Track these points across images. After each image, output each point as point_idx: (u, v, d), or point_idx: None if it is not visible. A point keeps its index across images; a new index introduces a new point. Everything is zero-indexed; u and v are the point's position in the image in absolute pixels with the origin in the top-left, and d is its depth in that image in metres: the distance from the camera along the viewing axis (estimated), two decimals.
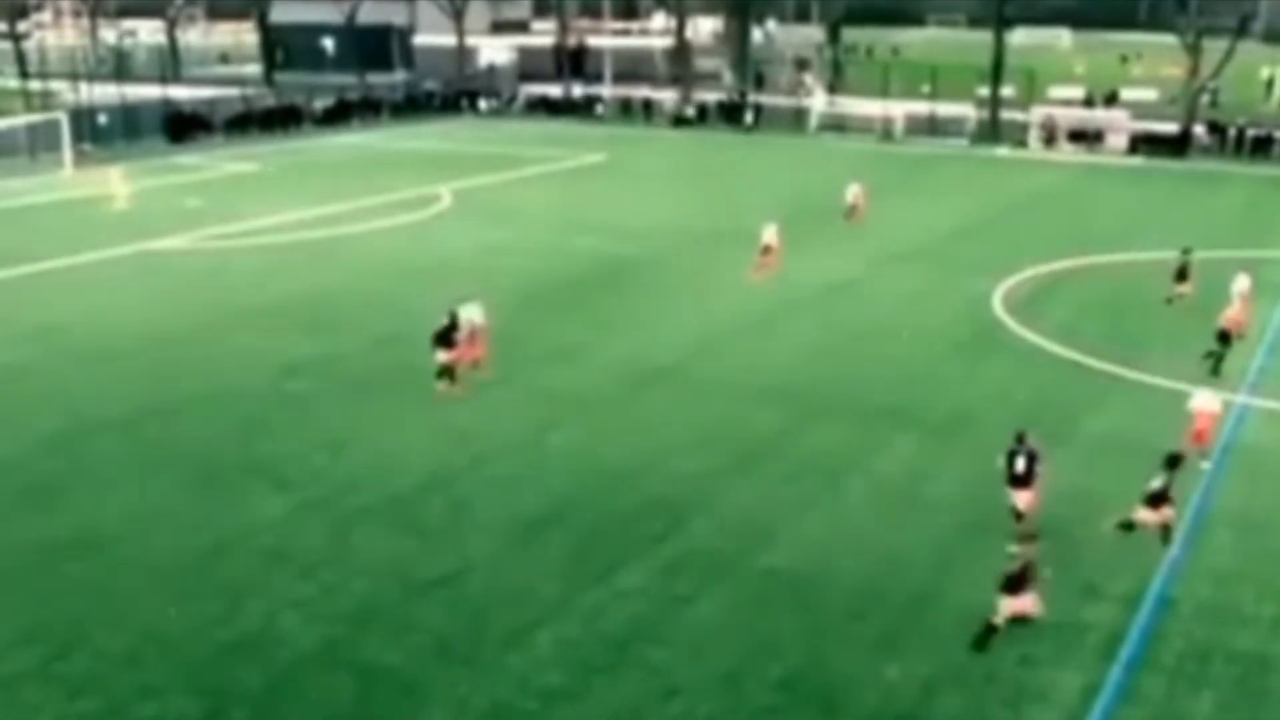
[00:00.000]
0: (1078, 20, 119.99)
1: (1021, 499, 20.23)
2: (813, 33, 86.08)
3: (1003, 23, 77.45)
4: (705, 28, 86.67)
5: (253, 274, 38.42)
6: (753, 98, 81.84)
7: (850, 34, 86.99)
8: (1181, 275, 34.19)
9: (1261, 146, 67.08)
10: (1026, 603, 17.08)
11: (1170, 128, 69.65)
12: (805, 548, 20.14)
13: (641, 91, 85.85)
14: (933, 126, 73.25)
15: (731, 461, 23.60)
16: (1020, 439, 20.41)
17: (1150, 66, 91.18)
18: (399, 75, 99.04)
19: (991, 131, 72.12)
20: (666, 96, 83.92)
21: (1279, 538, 20.64)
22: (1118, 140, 68.74)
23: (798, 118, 78.25)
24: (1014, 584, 16.96)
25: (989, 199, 52.82)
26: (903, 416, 26.04)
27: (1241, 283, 31.36)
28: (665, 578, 18.98)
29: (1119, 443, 24.24)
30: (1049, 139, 69.47)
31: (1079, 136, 69.36)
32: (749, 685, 16.20)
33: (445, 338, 26.63)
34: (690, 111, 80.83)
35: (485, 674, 16.36)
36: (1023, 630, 17.18)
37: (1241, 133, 68.19)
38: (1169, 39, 79.57)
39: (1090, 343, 30.85)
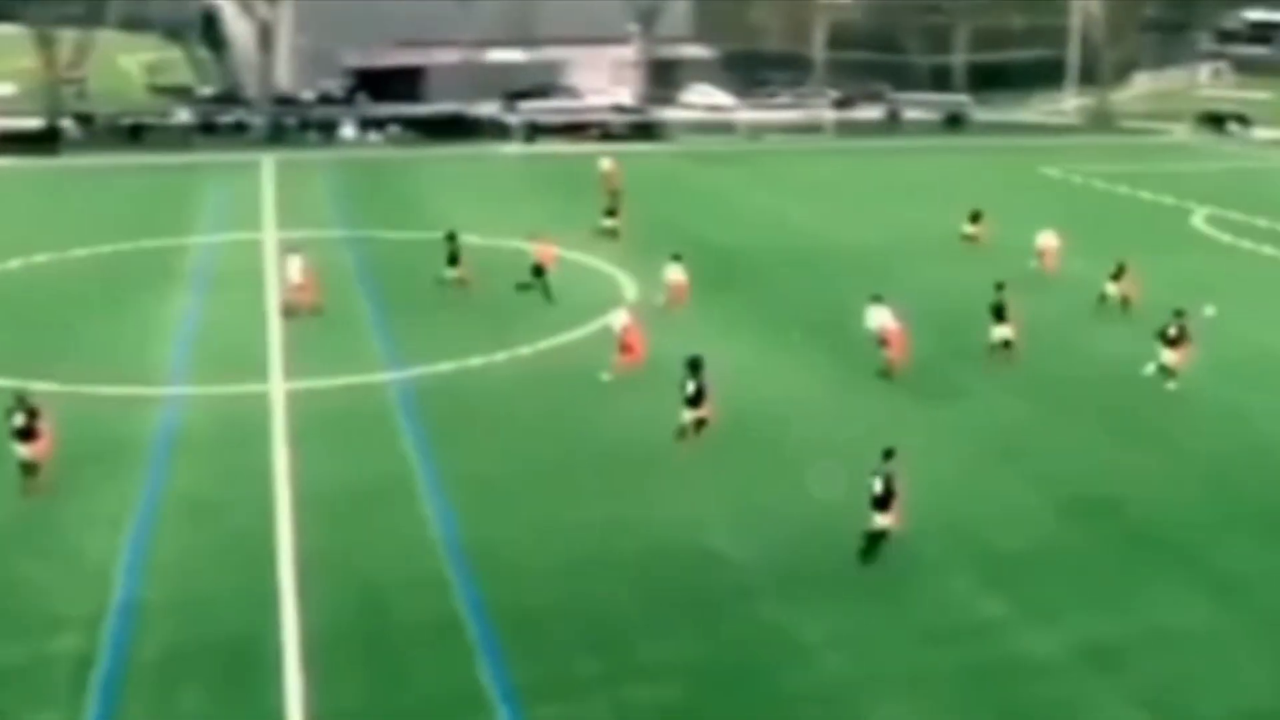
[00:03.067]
0: None
1: (28, 451, 22.10)
2: None
3: None
4: None
5: None
6: None
7: None
8: (453, 260, 36.33)
9: (135, 134, 70.52)
10: (892, 518, 19.57)
11: (37, 124, 69.61)
12: None
13: None
14: None
15: None
16: (20, 398, 22.38)
17: (7, 60, 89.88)
18: None
19: None
20: None
21: (233, 518, 21.72)
22: None
23: None
24: (883, 501, 19.50)
25: None
26: None
27: (294, 263, 34.35)
28: None
29: (77, 458, 23.39)
30: None
31: None
32: None
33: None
34: None
35: None
36: None
37: (113, 122, 71.02)
38: (19, 29, 78.68)
39: None
